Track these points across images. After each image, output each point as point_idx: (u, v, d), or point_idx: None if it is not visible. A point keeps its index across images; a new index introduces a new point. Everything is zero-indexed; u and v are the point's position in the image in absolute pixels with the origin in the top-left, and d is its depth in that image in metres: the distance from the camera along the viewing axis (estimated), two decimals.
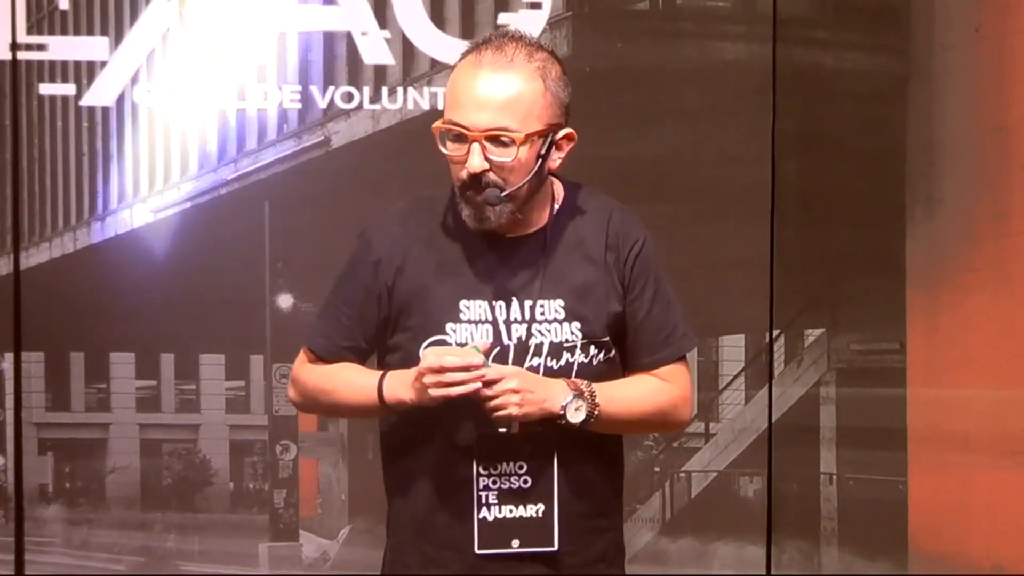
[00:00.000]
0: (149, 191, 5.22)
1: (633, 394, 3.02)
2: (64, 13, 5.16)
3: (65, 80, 5.17)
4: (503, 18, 5.13)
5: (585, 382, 2.95)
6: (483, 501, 2.97)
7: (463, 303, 2.97)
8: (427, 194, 3.08)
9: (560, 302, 2.98)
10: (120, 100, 5.16)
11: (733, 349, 5.49)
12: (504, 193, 2.92)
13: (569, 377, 2.97)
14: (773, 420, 5.32)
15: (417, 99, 5.16)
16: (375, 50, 5.16)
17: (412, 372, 2.92)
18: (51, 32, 5.15)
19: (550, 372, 2.97)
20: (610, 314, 3.01)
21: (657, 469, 5.39)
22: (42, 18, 5.17)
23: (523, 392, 2.89)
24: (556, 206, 3.03)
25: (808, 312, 5.37)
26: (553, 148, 2.96)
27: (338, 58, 5.18)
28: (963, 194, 5.28)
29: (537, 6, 5.15)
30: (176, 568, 5.33)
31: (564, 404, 2.92)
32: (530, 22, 5.06)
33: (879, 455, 5.33)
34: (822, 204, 5.29)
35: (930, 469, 5.30)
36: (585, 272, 3.01)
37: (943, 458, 5.28)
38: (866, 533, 5.33)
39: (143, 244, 5.21)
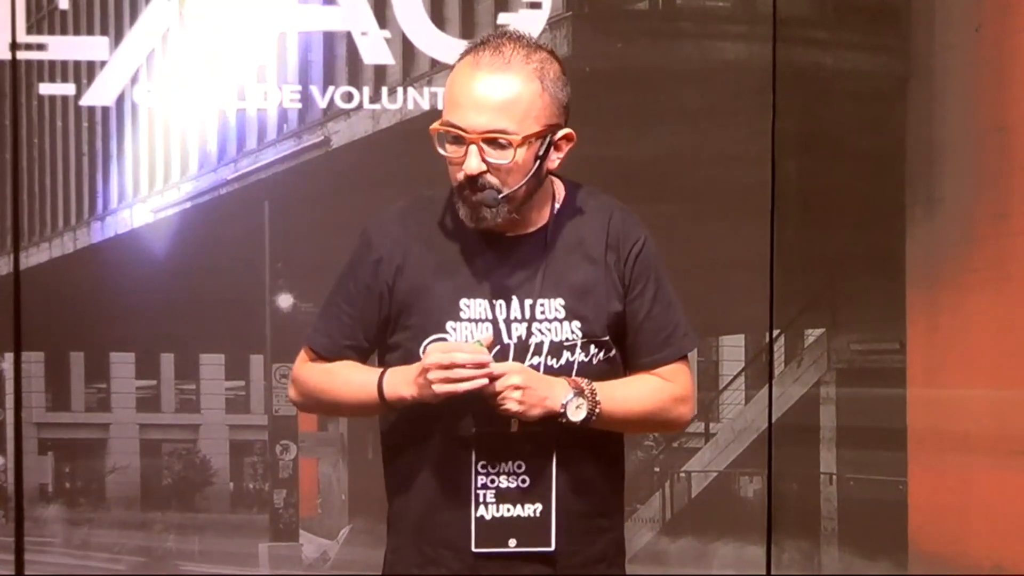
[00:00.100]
0: (149, 191, 5.22)
1: (634, 393, 3.02)
2: (64, 13, 5.16)
3: (65, 80, 5.17)
4: (503, 18, 5.13)
5: (586, 380, 2.96)
6: (481, 500, 2.97)
7: (463, 302, 2.97)
8: (427, 194, 3.08)
9: (560, 301, 2.98)
10: (120, 100, 5.16)
11: (733, 349, 5.49)
12: (502, 195, 2.92)
13: (569, 376, 2.97)
14: (773, 420, 5.32)
15: (417, 99, 5.16)
16: (375, 50, 5.16)
17: (413, 368, 2.92)
18: (51, 32, 5.15)
19: (550, 371, 2.97)
20: (610, 313, 3.01)
21: (657, 469, 5.39)
22: (42, 18, 5.17)
23: (525, 388, 2.89)
24: (556, 205, 3.04)
25: (808, 312, 5.37)
26: (552, 148, 2.96)
27: (338, 58, 5.18)
28: (963, 194, 5.28)
29: (537, 6, 5.15)
30: (176, 568, 5.33)
31: (565, 402, 2.92)
32: (530, 22, 5.06)
33: (879, 455, 5.33)
34: (822, 204, 5.29)
35: (930, 469, 5.30)
36: (585, 271, 3.01)
37: (943, 458, 5.28)
38: (866, 533, 5.33)
39: (143, 244, 5.21)
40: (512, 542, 2.98)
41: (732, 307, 5.35)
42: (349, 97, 5.17)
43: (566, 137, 2.98)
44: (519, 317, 2.97)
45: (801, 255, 5.27)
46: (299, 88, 5.17)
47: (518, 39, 2.96)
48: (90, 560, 5.32)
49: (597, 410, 2.94)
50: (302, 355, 3.11)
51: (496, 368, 2.88)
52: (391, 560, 3.10)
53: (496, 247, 2.99)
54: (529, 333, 2.97)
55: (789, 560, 5.33)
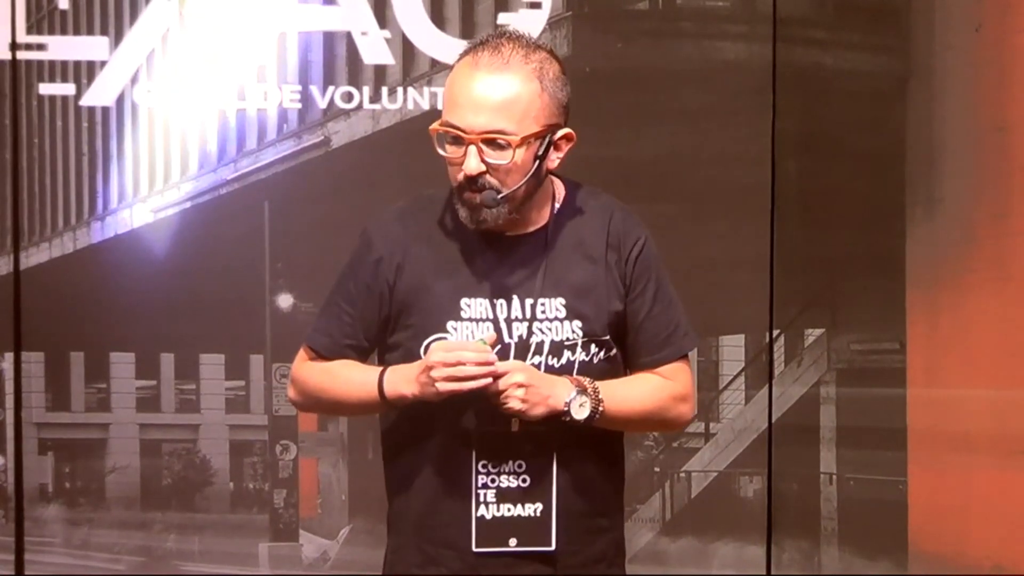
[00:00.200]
0: (149, 191, 5.22)
1: (636, 392, 3.02)
2: (64, 13, 5.16)
3: (65, 80, 5.17)
4: (503, 18, 5.13)
5: (588, 379, 2.96)
6: (481, 499, 2.97)
7: (464, 301, 2.97)
8: (427, 193, 3.08)
9: (561, 300, 2.99)
10: (120, 100, 5.16)
11: (733, 349, 5.49)
12: (501, 195, 2.92)
13: (570, 375, 2.97)
14: (773, 420, 5.32)
15: (417, 99, 5.17)
16: (375, 50, 5.17)
17: (414, 366, 2.92)
18: (51, 32, 5.15)
19: (551, 370, 2.97)
20: (611, 313, 3.01)
21: (657, 469, 5.39)
22: (42, 18, 5.17)
23: (528, 387, 2.89)
24: (557, 205, 3.04)
25: (808, 312, 5.37)
26: (551, 148, 2.96)
27: (338, 58, 5.18)
28: (963, 194, 5.28)
29: (537, 6, 5.15)
30: (176, 568, 5.33)
31: (568, 400, 2.92)
32: (530, 22, 5.06)
33: (879, 455, 5.33)
34: (822, 204, 5.29)
35: (930, 469, 5.30)
36: (586, 271, 3.01)
37: (943, 458, 5.28)
38: (866, 533, 5.33)
39: (143, 244, 5.21)
40: (513, 541, 2.98)
41: (732, 307, 5.35)
42: (349, 97, 5.18)
43: (566, 137, 2.98)
44: (520, 316, 2.97)
45: (801, 255, 5.27)
46: (299, 88, 5.17)
47: (517, 39, 2.95)
48: (90, 560, 5.32)
49: (600, 409, 2.94)
50: (301, 354, 3.11)
51: (499, 366, 2.88)
52: (391, 560, 3.10)
53: (496, 246, 2.99)
54: (530, 332, 2.97)
55: (789, 560, 5.33)
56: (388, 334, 3.03)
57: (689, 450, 5.42)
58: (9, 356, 5.21)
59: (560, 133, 2.97)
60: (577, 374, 2.97)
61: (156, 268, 5.19)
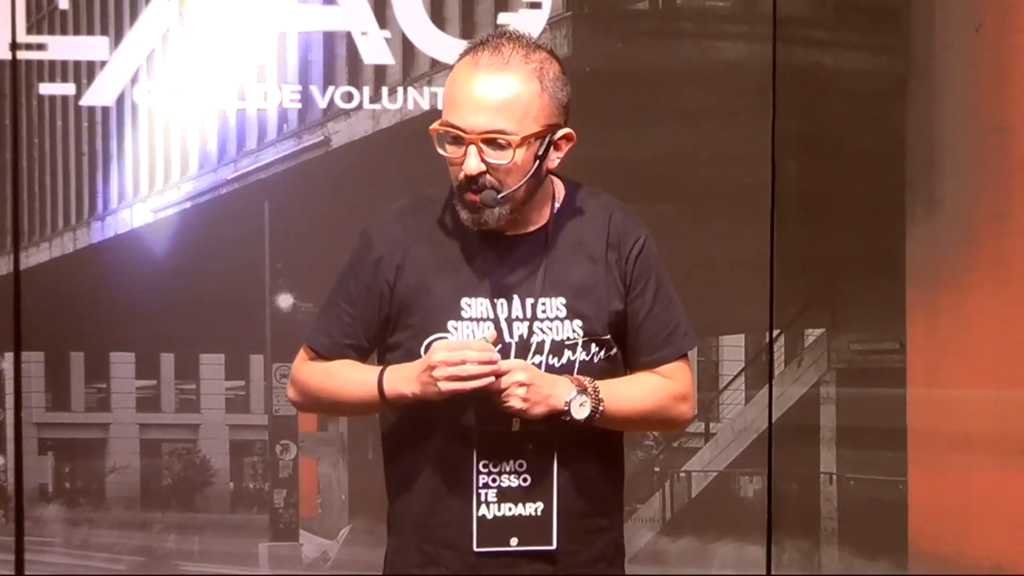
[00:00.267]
0: (149, 191, 5.22)
1: (636, 391, 3.02)
2: (64, 13, 5.16)
3: (65, 80, 5.17)
4: (503, 18, 5.13)
5: (588, 379, 2.96)
6: (482, 499, 2.97)
7: (464, 301, 2.97)
8: (427, 193, 3.08)
9: (561, 300, 2.99)
10: (120, 100, 5.16)
11: (733, 349, 5.49)
12: (501, 195, 2.92)
13: (571, 375, 2.97)
14: (773, 420, 5.32)
15: (417, 99, 5.17)
16: (375, 50, 5.17)
17: (415, 365, 2.92)
18: (51, 32, 5.15)
19: (551, 370, 2.97)
20: (611, 312, 3.01)
21: (657, 469, 5.39)
22: (42, 18, 5.17)
23: (530, 385, 2.90)
24: (556, 205, 3.04)
25: (808, 312, 5.37)
26: (551, 148, 2.96)
27: (338, 58, 5.18)
28: (963, 194, 5.28)
29: (537, 6, 5.15)
30: (176, 568, 5.33)
31: (569, 400, 2.92)
32: (530, 22, 5.06)
33: (879, 455, 5.33)
34: (822, 204, 5.29)
35: (930, 469, 5.30)
36: (586, 270, 3.01)
37: (943, 458, 5.28)
38: (866, 533, 5.33)
39: (143, 244, 5.21)
40: (514, 541, 2.98)
41: (732, 307, 5.35)
42: (349, 97, 5.18)
43: (566, 137, 2.98)
44: (520, 316, 2.97)
45: (801, 255, 5.27)
46: (299, 88, 5.17)
47: (517, 39, 2.95)
48: (90, 560, 5.32)
49: (600, 408, 2.94)
50: (301, 355, 3.11)
51: (501, 365, 2.88)
52: (392, 560, 3.10)
53: (496, 246, 2.99)
54: (530, 332, 2.97)
55: (789, 560, 5.33)
56: (388, 334, 3.03)
57: (689, 450, 5.42)
58: (9, 356, 5.21)
59: (560, 133, 2.97)
60: (577, 373, 2.98)
61: (156, 268, 5.19)
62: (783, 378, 5.36)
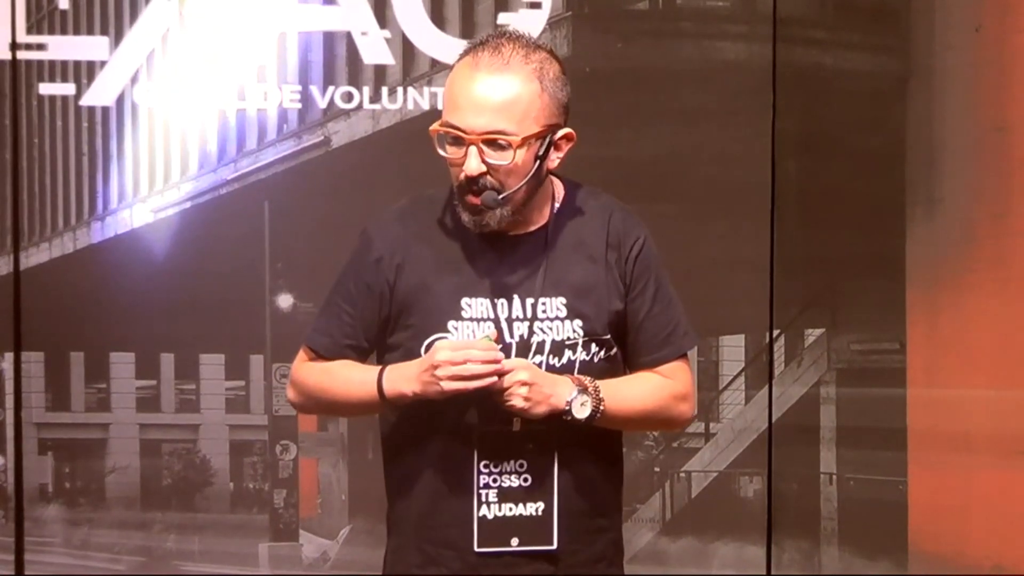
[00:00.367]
0: (149, 191, 5.22)
1: (637, 391, 3.02)
2: (64, 13, 5.16)
3: (65, 80, 5.17)
4: (503, 18, 5.13)
5: (589, 378, 2.96)
6: (483, 499, 2.97)
7: (464, 301, 2.97)
8: (427, 193, 3.08)
9: (561, 300, 2.99)
10: (120, 100, 5.16)
11: (733, 349, 5.49)
12: (502, 196, 2.92)
13: (571, 374, 2.97)
14: (773, 420, 5.32)
15: (417, 99, 5.17)
16: (375, 50, 5.17)
17: (415, 364, 2.92)
18: (51, 32, 5.15)
19: (552, 370, 2.97)
20: (611, 312, 3.01)
21: (657, 469, 5.39)
22: (42, 18, 5.17)
23: (532, 385, 2.90)
24: (556, 205, 3.04)
25: (808, 312, 5.37)
26: (552, 148, 2.96)
27: (338, 58, 5.18)
28: (963, 194, 5.28)
29: (537, 6, 5.15)
30: (176, 568, 5.33)
31: (570, 399, 2.92)
32: (530, 22, 5.06)
33: (879, 455, 5.33)
34: (822, 204, 5.29)
35: (930, 469, 5.30)
36: (586, 270, 3.01)
37: (943, 458, 5.28)
38: (866, 533, 5.33)
39: (143, 244, 5.21)
40: (515, 541, 2.98)
41: (732, 307, 5.35)
42: (349, 97, 5.17)
43: (566, 137, 2.98)
44: (520, 316, 2.97)
45: (801, 255, 5.27)
46: (299, 88, 5.17)
47: (517, 39, 2.95)
48: (90, 560, 5.32)
49: (601, 407, 2.94)
50: (301, 355, 3.11)
51: (504, 364, 2.88)
52: (392, 560, 3.10)
53: (496, 246, 2.99)
54: (531, 332, 2.97)
55: (789, 560, 5.33)
56: (388, 334, 3.03)
57: (689, 450, 5.42)
58: (9, 356, 5.21)
59: (560, 133, 2.97)
60: (578, 373, 2.98)
61: (156, 268, 5.19)
62: (783, 378, 5.36)
